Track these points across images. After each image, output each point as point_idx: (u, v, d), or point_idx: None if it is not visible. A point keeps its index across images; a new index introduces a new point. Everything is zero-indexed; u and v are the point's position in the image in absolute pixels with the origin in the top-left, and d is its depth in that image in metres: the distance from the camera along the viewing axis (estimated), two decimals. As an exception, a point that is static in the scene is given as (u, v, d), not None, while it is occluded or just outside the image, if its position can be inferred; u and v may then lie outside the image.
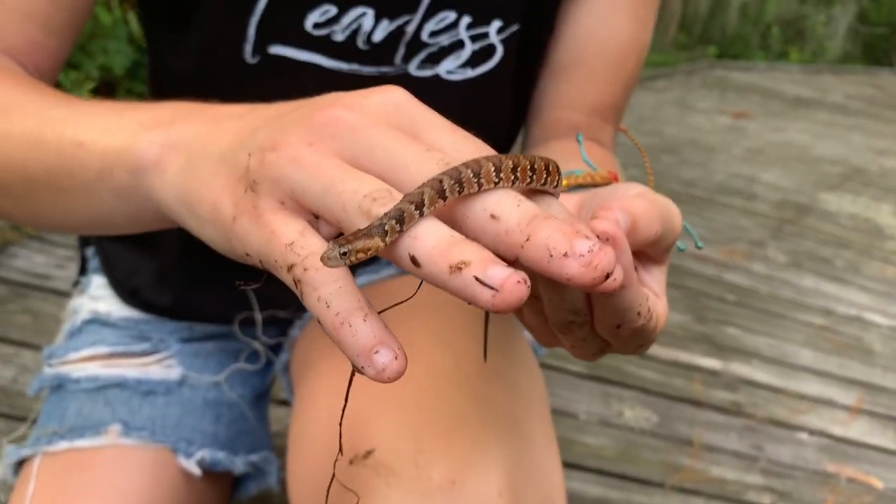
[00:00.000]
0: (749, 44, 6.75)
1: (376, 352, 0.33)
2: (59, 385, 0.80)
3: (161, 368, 0.81)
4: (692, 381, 1.97)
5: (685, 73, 5.60)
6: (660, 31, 5.66)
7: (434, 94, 0.70)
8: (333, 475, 0.42)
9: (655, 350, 2.04)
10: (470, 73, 0.70)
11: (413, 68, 0.69)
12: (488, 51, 0.70)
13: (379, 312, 0.35)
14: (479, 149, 0.37)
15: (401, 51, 0.68)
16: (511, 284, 0.31)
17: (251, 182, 0.37)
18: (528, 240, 0.32)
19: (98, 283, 0.85)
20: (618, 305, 0.37)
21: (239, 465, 0.81)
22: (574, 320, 0.39)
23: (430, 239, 0.33)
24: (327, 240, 0.35)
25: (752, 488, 1.67)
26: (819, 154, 4.23)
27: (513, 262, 0.33)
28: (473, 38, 0.69)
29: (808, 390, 2.05)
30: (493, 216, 0.34)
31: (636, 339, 0.40)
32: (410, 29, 0.67)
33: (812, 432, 1.89)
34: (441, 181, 0.33)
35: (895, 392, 2.12)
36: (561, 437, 1.67)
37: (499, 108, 0.76)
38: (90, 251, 0.88)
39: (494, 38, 0.70)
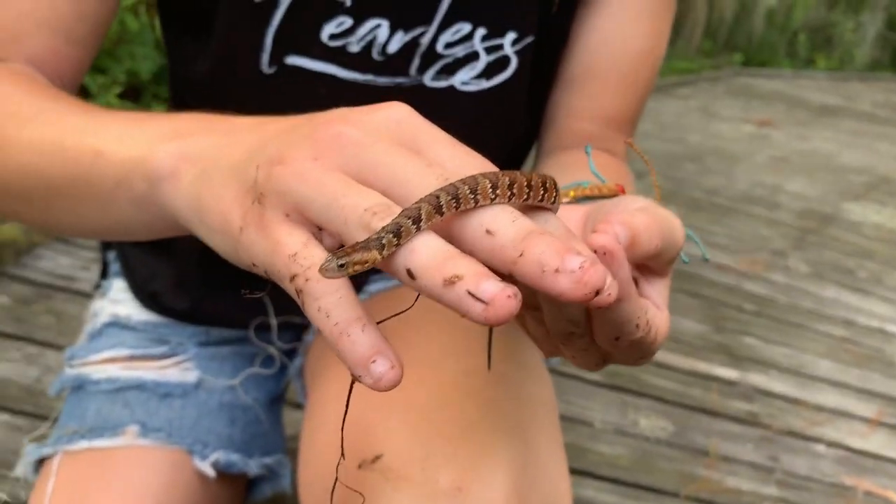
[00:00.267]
0: (775, 51, 6.70)
1: (373, 361, 0.34)
2: (80, 386, 0.81)
3: (178, 371, 0.82)
4: (709, 391, 1.96)
5: (709, 80, 5.57)
6: (684, 38, 5.64)
7: (449, 104, 0.72)
8: (336, 479, 0.43)
9: (672, 359, 2.04)
10: (485, 84, 0.71)
11: (428, 79, 0.70)
12: (503, 62, 0.71)
13: (378, 323, 0.36)
14: (481, 164, 0.38)
15: (415, 62, 0.69)
16: (502, 299, 0.32)
17: (258, 194, 0.38)
18: (521, 255, 0.33)
19: (119, 287, 0.87)
20: (615, 318, 0.38)
21: (253, 467, 0.82)
22: (574, 331, 0.40)
23: (425, 253, 0.34)
24: (330, 251, 0.36)
25: (767, 500, 1.66)
26: (844, 163, 4.19)
27: (508, 277, 0.33)
28: (488, 50, 0.70)
29: (827, 402, 2.03)
30: (488, 231, 0.35)
31: (635, 350, 0.41)
32: (425, 40, 0.68)
33: (829, 444, 1.87)
34: (438, 197, 0.34)
35: (917, 405, 2.10)
36: (576, 445, 1.68)
37: (513, 118, 0.77)
38: (111, 255, 0.90)
39: (509, 50, 0.71)
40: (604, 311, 0.38)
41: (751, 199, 3.40)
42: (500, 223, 0.35)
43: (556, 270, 0.32)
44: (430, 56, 0.69)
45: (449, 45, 0.69)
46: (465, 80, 0.71)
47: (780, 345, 2.24)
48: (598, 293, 0.33)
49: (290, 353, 0.88)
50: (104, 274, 0.91)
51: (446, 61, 0.70)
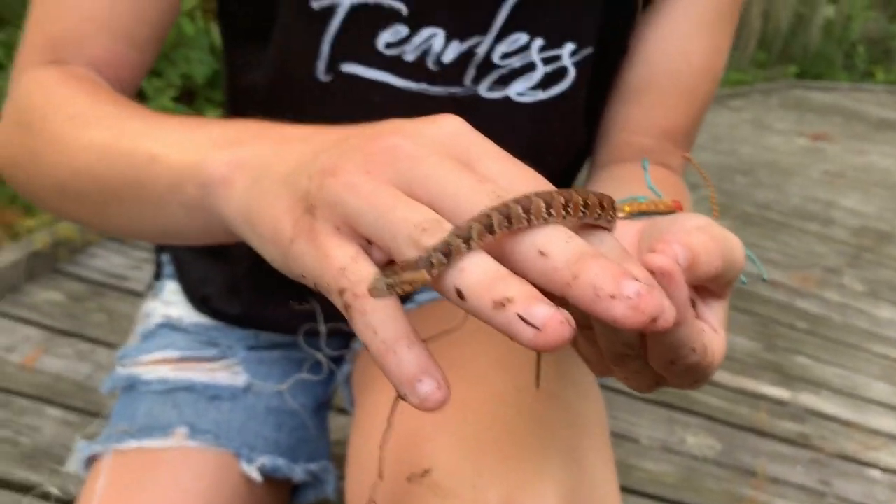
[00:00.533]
0: (832, 63, 6.56)
1: (419, 381, 0.34)
2: (131, 385, 0.83)
3: (228, 374, 0.83)
4: (758, 410, 1.91)
5: (763, 92, 5.47)
6: (738, 49, 5.55)
7: (504, 115, 0.71)
8: (370, 500, 0.42)
9: (721, 377, 1.99)
10: (541, 95, 0.71)
11: (483, 90, 0.70)
12: (560, 73, 0.70)
13: (425, 340, 0.35)
14: (534, 180, 0.37)
15: (471, 72, 0.69)
16: (554, 324, 0.31)
17: (310, 205, 0.38)
18: (575, 278, 0.32)
19: (171, 289, 0.88)
20: (671, 342, 0.37)
21: (298, 472, 0.82)
22: (628, 354, 0.39)
23: (476, 273, 0.33)
24: (379, 265, 0.36)
25: (818, 525, 1.62)
26: (903, 179, 4.08)
27: (562, 300, 0.32)
28: (545, 61, 0.69)
29: (881, 425, 1.97)
30: (541, 252, 0.34)
31: (690, 374, 0.39)
32: (481, 51, 0.68)
33: (885, 470, 1.81)
34: (490, 216, 0.33)
35: (977, 432, 2.02)
36: (621, 461, 1.65)
37: (570, 130, 0.76)
38: (165, 257, 0.91)
39: (567, 61, 0.70)
40: (659, 335, 0.36)
41: (804, 215, 3.33)
42: (554, 244, 0.34)
43: (612, 296, 0.31)
44: (486, 66, 0.69)
45: (505, 56, 0.69)
46: (520, 91, 0.70)
47: (833, 365, 2.19)
48: (654, 321, 0.32)
49: (338, 360, 0.89)
50: (157, 275, 0.92)
51: (502, 72, 0.69)
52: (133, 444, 0.76)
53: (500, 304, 0.31)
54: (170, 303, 0.87)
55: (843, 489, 1.73)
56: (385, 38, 0.67)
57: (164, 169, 0.49)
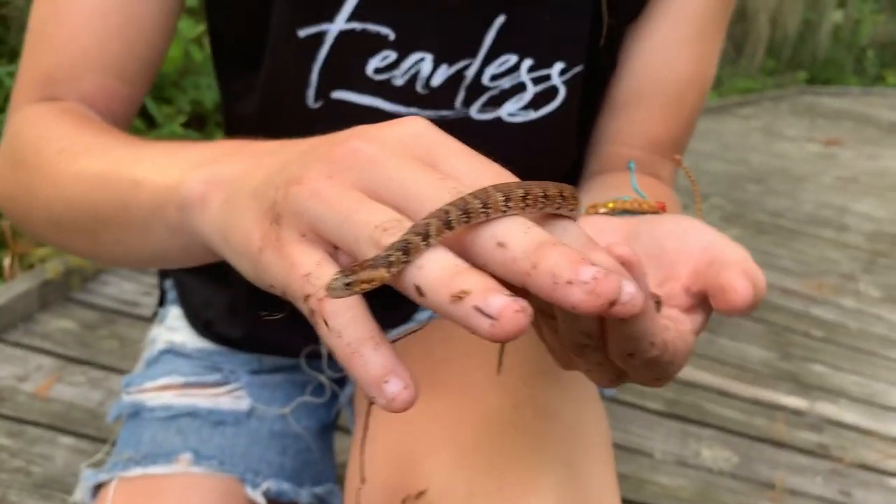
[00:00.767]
0: (842, 68, 6.53)
1: (386, 381, 0.34)
2: (136, 412, 0.83)
3: (231, 399, 0.83)
4: (775, 421, 1.89)
5: (773, 99, 5.45)
6: (747, 56, 5.53)
7: (496, 136, 0.71)
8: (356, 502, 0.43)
9: (736, 387, 1.98)
10: (532, 114, 0.71)
11: (474, 112, 0.70)
12: (551, 92, 0.71)
13: (392, 342, 0.35)
14: (497, 175, 0.37)
15: (461, 94, 0.69)
16: (509, 314, 0.31)
17: (276, 215, 0.38)
18: (534, 267, 0.32)
19: (175, 315, 0.89)
20: (630, 333, 0.37)
21: (304, 496, 0.82)
22: (588, 344, 0.39)
23: (434, 269, 0.33)
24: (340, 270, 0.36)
25: (838, 536, 1.60)
26: (917, 183, 4.04)
27: (522, 290, 0.33)
28: (535, 81, 0.70)
29: (902, 433, 1.95)
30: (500, 244, 0.34)
31: (651, 370, 0.39)
32: (470, 73, 0.68)
33: (905, 478, 1.79)
34: (448, 211, 0.34)
35: None
36: (635, 476, 1.64)
37: (563, 148, 0.76)
38: (168, 283, 0.92)
39: (557, 80, 0.70)
40: (618, 325, 0.36)
41: (817, 221, 3.30)
42: (512, 235, 0.34)
43: (569, 282, 0.31)
44: (476, 88, 0.69)
45: (495, 77, 0.69)
46: (511, 111, 0.71)
47: (850, 373, 2.16)
48: (613, 304, 0.32)
49: (341, 382, 0.89)
50: (161, 301, 0.93)
51: (492, 93, 0.70)
52: (138, 471, 0.77)
53: (458, 298, 0.32)
54: (173, 328, 0.88)
55: (863, 499, 1.70)
56: (374, 63, 0.67)
57: (147, 193, 0.50)
